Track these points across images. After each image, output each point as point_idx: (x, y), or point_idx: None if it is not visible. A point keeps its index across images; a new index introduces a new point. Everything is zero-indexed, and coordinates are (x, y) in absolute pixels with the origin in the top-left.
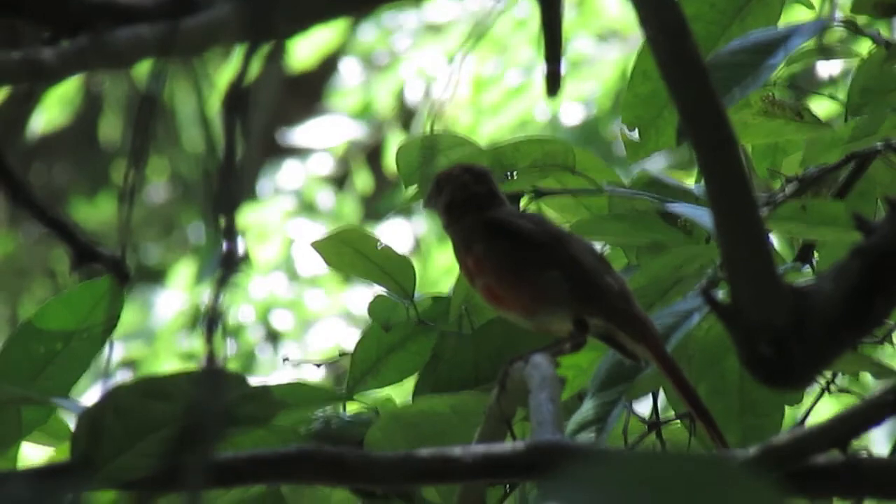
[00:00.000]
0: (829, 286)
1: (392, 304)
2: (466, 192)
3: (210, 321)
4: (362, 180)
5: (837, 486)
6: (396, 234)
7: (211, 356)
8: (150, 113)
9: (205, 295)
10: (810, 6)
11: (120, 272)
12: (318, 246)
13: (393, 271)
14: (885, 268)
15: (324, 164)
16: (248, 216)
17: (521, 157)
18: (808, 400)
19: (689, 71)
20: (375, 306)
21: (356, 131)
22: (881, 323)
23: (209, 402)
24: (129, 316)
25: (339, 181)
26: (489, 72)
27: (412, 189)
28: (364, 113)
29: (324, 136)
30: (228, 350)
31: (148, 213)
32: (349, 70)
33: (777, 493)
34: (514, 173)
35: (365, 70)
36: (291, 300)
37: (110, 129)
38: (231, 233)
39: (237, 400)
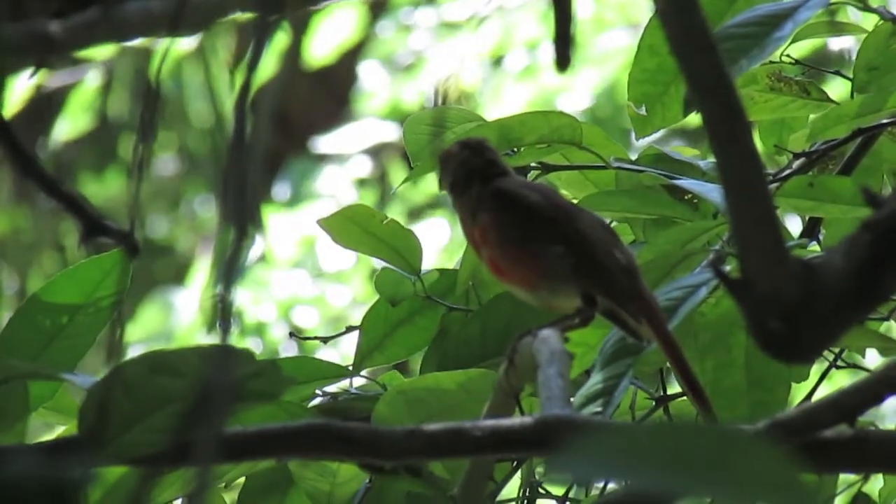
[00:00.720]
0: (838, 260)
1: (398, 279)
2: (467, 167)
3: (221, 299)
4: (399, 180)
5: (845, 460)
6: (436, 230)
7: (223, 330)
8: (158, 88)
9: (215, 281)
10: None
11: (129, 245)
12: (324, 223)
13: (399, 246)
14: (894, 241)
15: (360, 167)
16: (278, 220)
17: (528, 132)
18: (814, 376)
19: (698, 43)
20: (382, 281)
21: (388, 132)
22: (890, 297)
23: (220, 377)
24: (150, 317)
25: (377, 182)
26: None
27: (421, 166)
28: (392, 114)
29: (356, 140)
30: (247, 341)
31: (156, 187)
32: (372, 73)
33: (790, 462)
34: (521, 148)
35: (388, 72)
36: (315, 297)
37: (118, 103)
38: (244, 229)
39: (246, 376)
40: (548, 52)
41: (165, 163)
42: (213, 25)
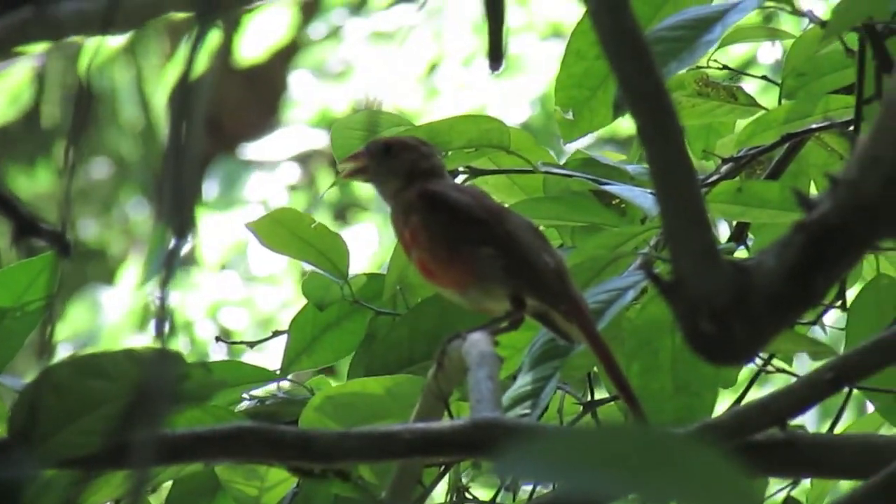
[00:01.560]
0: (770, 261)
1: (326, 283)
2: (428, 162)
3: (158, 300)
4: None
5: (776, 463)
6: (364, 236)
7: (159, 332)
8: (89, 90)
9: (152, 288)
10: None
11: (61, 246)
12: (253, 226)
13: (327, 250)
14: (826, 243)
15: (289, 173)
16: (209, 225)
17: (456, 136)
18: (744, 380)
19: (629, 44)
20: (309, 285)
21: (317, 140)
22: (821, 299)
23: (157, 379)
24: (78, 316)
25: (306, 188)
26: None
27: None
28: (322, 122)
29: (285, 147)
30: (177, 341)
31: (87, 189)
32: (302, 81)
33: (728, 462)
34: (449, 152)
35: (318, 79)
36: (243, 299)
37: (50, 102)
38: (180, 230)
39: (178, 378)
40: (481, 64)
41: (97, 165)
42: (144, 26)
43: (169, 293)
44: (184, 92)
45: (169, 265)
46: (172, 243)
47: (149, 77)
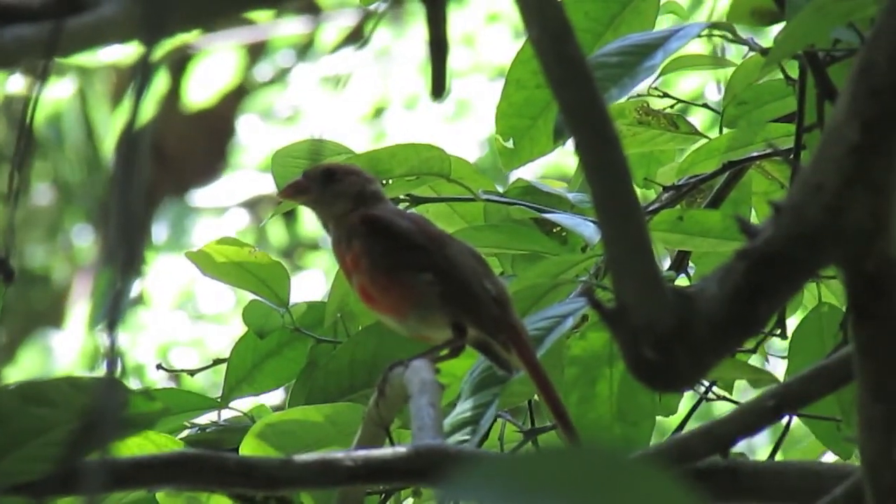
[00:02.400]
0: (713, 288)
1: (267, 311)
2: (372, 187)
3: (106, 333)
4: (275, 231)
5: (718, 491)
6: (313, 279)
7: (108, 363)
8: (33, 115)
9: (101, 326)
10: (684, 15)
11: (5, 273)
12: (193, 256)
13: (267, 278)
14: (768, 270)
15: (237, 219)
16: (158, 267)
17: (397, 164)
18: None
19: (573, 71)
20: (250, 312)
21: (265, 185)
22: (763, 326)
23: (106, 405)
24: (29, 359)
25: (255, 233)
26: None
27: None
28: (270, 166)
29: (234, 192)
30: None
31: (31, 215)
32: (250, 126)
33: (673, 483)
34: (390, 180)
35: (266, 124)
36: (193, 339)
37: None
38: (128, 267)
39: (122, 404)
40: (428, 105)
41: (41, 192)
42: (90, 50)
43: (117, 330)
44: (130, 133)
45: (116, 302)
46: (120, 280)
47: (94, 104)
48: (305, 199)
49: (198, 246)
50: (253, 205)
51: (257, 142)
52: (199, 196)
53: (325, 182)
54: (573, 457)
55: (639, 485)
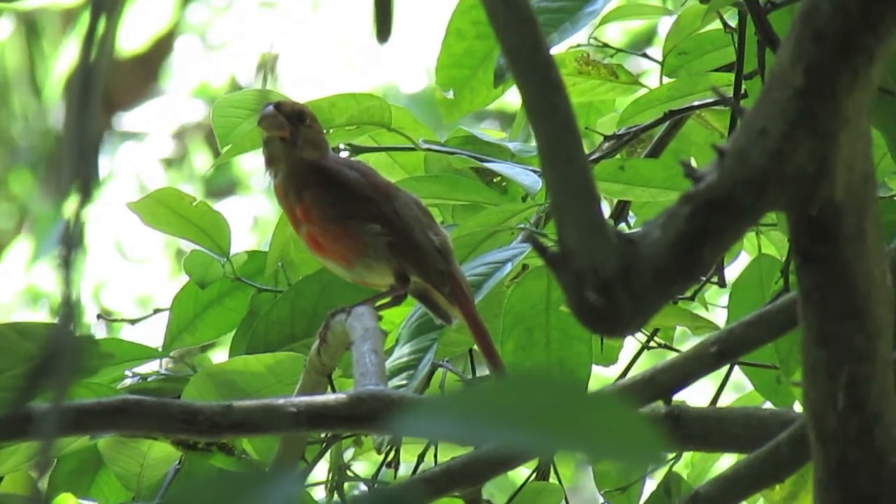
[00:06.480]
0: (657, 232)
1: (208, 261)
2: (302, 137)
3: (63, 263)
4: (201, 161)
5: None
6: (235, 212)
7: (67, 306)
8: None
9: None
10: None
11: None
12: (134, 206)
13: (208, 228)
14: (712, 214)
15: (162, 146)
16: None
17: (337, 113)
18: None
19: (518, 14)
20: (191, 262)
21: (195, 112)
22: (707, 271)
23: (62, 349)
24: None
25: (179, 162)
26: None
27: (230, 149)
28: (202, 93)
29: (161, 117)
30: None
31: None
32: (186, 48)
33: (638, 416)
34: (330, 129)
35: (202, 49)
36: (122, 279)
37: None
38: (85, 190)
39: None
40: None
41: None
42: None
43: (76, 256)
44: (86, 65)
45: (74, 235)
46: (77, 206)
47: (39, 59)
48: (280, 135)
49: (124, 176)
50: (180, 133)
51: (191, 67)
52: (126, 120)
53: (295, 124)
54: (530, 385)
55: (598, 414)
